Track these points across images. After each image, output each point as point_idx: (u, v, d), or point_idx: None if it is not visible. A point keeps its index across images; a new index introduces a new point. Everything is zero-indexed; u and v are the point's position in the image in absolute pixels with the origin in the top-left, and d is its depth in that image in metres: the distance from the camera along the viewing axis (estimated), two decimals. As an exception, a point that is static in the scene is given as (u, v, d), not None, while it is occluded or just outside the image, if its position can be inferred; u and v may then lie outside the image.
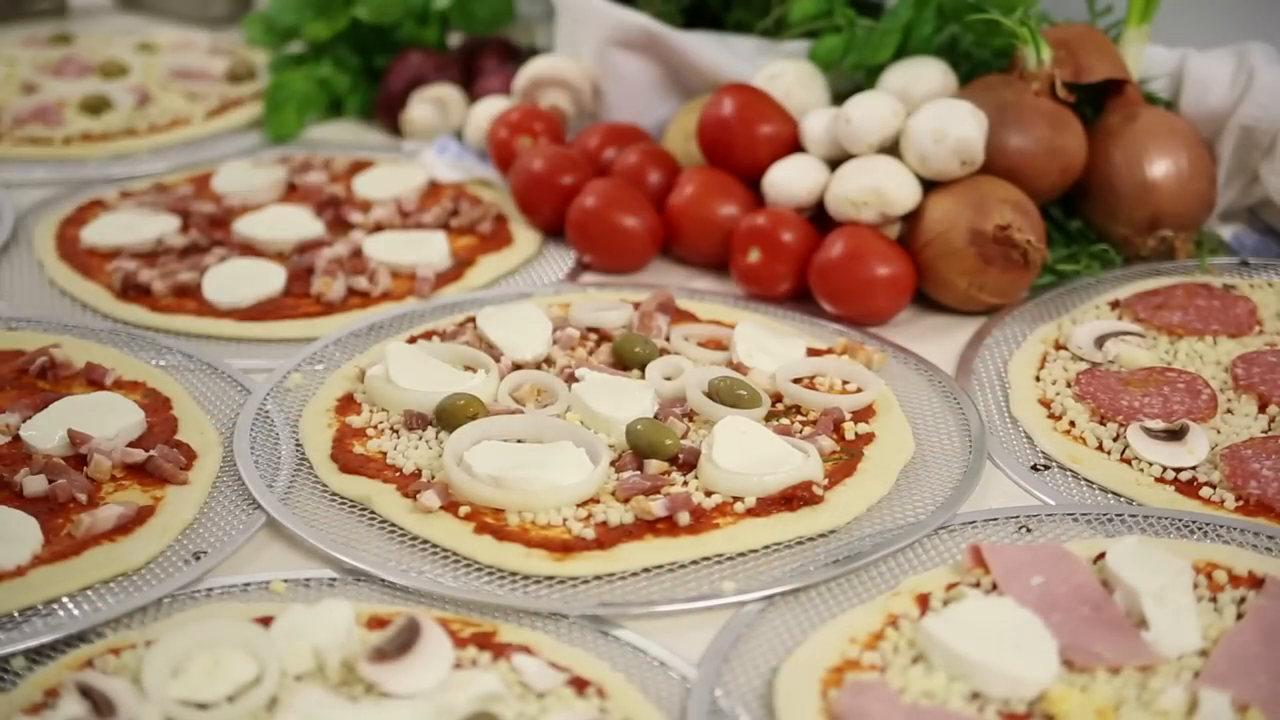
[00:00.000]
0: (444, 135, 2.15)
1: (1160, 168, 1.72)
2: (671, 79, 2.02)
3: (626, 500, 1.33)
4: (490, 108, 2.10)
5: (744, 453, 1.35)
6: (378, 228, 1.89)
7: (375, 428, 1.45)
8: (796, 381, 1.51)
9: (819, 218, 1.74)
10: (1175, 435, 1.42)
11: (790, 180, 1.75)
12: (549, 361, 1.56)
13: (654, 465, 1.37)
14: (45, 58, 2.48)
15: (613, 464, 1.38)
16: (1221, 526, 1.32)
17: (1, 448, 1.42)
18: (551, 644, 1.19)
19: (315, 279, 1.74)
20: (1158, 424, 1.43)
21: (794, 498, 1.33)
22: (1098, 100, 1.79)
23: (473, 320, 1.62)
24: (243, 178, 2.00)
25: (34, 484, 1.34)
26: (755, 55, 1.96)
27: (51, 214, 1.96)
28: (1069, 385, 1.53)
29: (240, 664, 1.12)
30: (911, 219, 1.70)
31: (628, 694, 1.14)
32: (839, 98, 1.83)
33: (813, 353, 1.58)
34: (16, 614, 1.22)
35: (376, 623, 1.19)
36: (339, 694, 1.12)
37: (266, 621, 1.16)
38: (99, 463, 1.37)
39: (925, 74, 1.79)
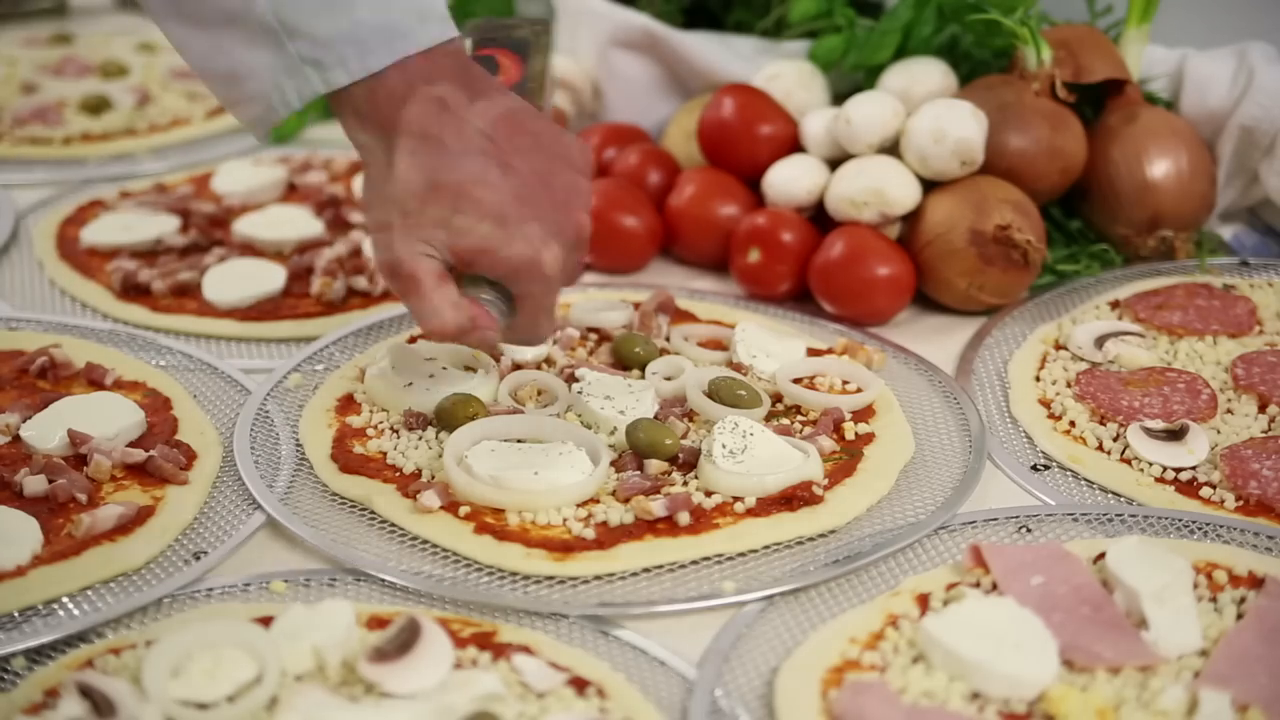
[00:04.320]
0: (444, 135, 2.14)
1: (1160, 168, 1.72)
2: (671, 79, 2.02)
3: (626, 500, 1.33)
4: (490, 108, 2.10)
5: (744, 453, 1.35)
6: (378, 228, 1.89)
7: (375, 428, 1.45)
8: (796, 381, 1.51)
9: (819, 218, 1.74)
10: (1175, 435, 1.42)
11: (790, 180, 1.75)
12: (549, 361, 1.56)
13: (654, 465, 1.37)
14: (45, 58, 2.48)
15: (613, 464, 1.38)
16: (1221, 526, 1.32)
17: (1, 448, 1.42)
18: (551, 644, 1.19)
19: (315, 279, 1.74)
20: (1158, 424, 1.43)
21: (794, 498, 1.33)
22: (1098, 100, 1.79)
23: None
24: (243, 178, 2.00)
25: (34, 484, 1.34)
26: (755, 55, 1.96)
27: (51, 214, 1.96)
28: (1069, 385, 1.53)
29: (240, 664, 1.12)
30: (911, 219, 1.70)
31: (628, 694, 1.14)
32: (839, 98, 1.83)
33: (813, 353, 1.58)
34: (16, 614, 1.22)
35: (376, 623, 1.19)
36: (339, 694, 1.12)
37: (266, 621, 1.16)
38: (99, 463, 1.37)
39: (925, 74, 1.79)
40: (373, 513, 1.34)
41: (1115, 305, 1.68)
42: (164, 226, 1.87)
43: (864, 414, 1.47)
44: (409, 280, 1.30)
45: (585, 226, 1.35)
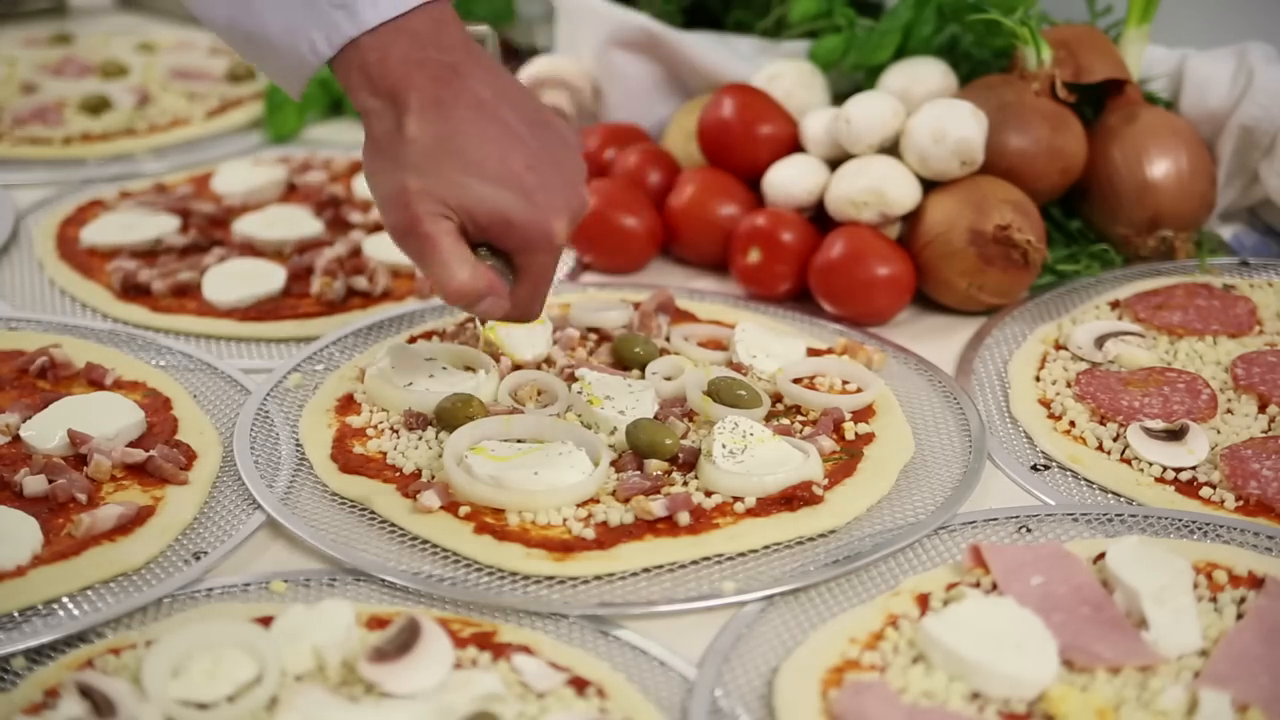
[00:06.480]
0: (444, 135, 2.14)
1: (1160, 168, 1.72)
2: (671, 79, 2.02)
3: (626, 500, 1.33)
4: (490, 108, 2.10)
5: (744, 453, 1.35)
6: (377, 227, 1.89)
7: (375, 428, 1.45)
8: (796, 381, 1.51)
9: (819, 218, 1.75)
10: (1175, 435, 1.42)
11: (790, 180, 1.75)
12: (549, 361, 1.56)
13: (654, 465, 1.37)
14: (45, 58, 2.48)
15: (613, 464, 1.38)
16: (1221, 526, 1.32)
17: (1, 448, 1.42)
18: (551, 644, 1.19)
19: (315, 279, 1.74)
20: (1158, 424, 1.43)
21: (794, 498, 1.33)
22: (1098, 100, 1.79)
23: (473, 320, 1.62)
24: (243, 178, 2.00)
25: (34, 484, 1.34)
26: (755, 55, 1.96)
27: (51, 214, 1.96)
28: (1069, 385, 1.53)
29: (240, 664, 1.12)
30: (911, 219, 1.70)
31: (628, 694, 1.14)
32: (839, 98, 1.83)
33: (813, 353, 1.58)
34: (16, 614, 1.22)
35: (376, 623, 1.19)
36: (339, 694, 1.12)
37: (266, 621, 1.16)
38: (99, 463, 1.37)
39: (925, 74, 1.79)
40: (373, 513, 1.34)
41: (1115, 305, 1.68)
42: (164, 226, 1.87)
43: (864, 414, 1.47)
44: (425, 241, 1.28)
45: (588, 203, 1.36)
